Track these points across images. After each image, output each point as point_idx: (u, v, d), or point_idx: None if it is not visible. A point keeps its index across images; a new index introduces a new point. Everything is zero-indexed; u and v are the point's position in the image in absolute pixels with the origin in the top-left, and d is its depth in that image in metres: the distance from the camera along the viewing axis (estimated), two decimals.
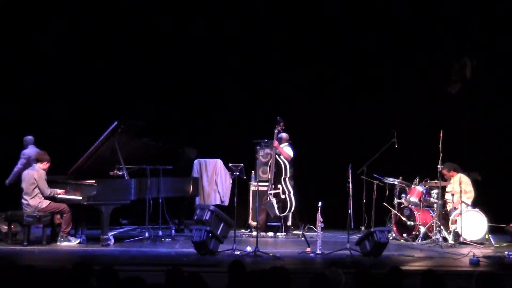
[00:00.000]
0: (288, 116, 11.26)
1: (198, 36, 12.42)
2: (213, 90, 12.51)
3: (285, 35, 12.39)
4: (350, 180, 9.56)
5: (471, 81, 12.28)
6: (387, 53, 12.31)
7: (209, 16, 12.36)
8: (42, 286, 5.01)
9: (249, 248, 9.00)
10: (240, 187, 9.85)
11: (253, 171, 11.45)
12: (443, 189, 10.66)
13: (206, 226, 9.44)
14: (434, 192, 10.57)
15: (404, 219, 10.67)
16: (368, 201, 11.15)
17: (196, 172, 11.70)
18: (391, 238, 10.41)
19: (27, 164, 10.43)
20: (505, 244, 10.35)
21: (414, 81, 12.36)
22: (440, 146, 10.22)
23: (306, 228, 11.02)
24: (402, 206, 10.83)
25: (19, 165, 10.64)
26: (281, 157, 10.97)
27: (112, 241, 9.62)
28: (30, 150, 10.62)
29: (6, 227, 9.83)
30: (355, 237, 9.76)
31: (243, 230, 11.28)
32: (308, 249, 9.17)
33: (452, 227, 10.36)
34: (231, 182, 11.66)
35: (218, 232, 9.85)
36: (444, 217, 10.58)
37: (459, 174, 10.71)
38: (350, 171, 9.55)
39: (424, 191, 10.61)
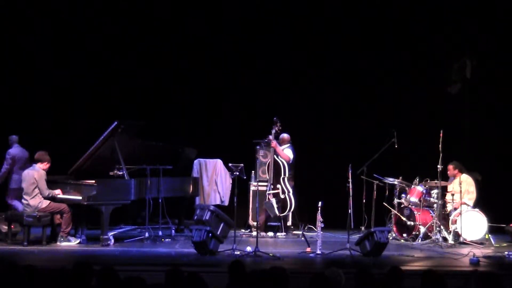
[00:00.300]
0: (288, 116, 11.27)
1: (198, 35, 12.41)
2: (213, 90, 12.50)
3: (285, 35, 12.38)
4: (350, 180, 9.57)
5: (471, 81, 12.28)
6: (387, 53, 12.31)
7: (209, 15, 12.36)
8: (42, 286, 5.01)
9: (249, 248, 8.99)
10: (240, 187, 9.86)
11: (253, 171, 11.45)
12: (443, 189, 10.67)
13: (206, 226, 9.44)
14: (434, 192, 10.57)
15: (404, 219, 10.66)
16: (368, 201, 11.15)
17: (196, 172, 11.69)
18: (391, 238, 10.41)
19: (13, 164, 10.41)
20: (505, 244, 10.35)
21: (414, 81, 12.36)
22: (440, 146, 10.22)
23: (306, 228, 11.02)
24: (402, 206, 10.83)
25: (5, 166, 10.60)
26: (280, 157, 10.98)
27: (112, 241, 9.62)
28: (15, 150, 10.60)
29: (6, 227, 9.84)
30: (355, 237, 9.76)
31: (243, 230, 11.27)
32: (308, 249, 9.17)
33: (452, 227, 10.36)
34: (231, 182, 11.66)
35: (218, 232, 9.85)
36: (444, 217, 10.58)
37: (463, 174, 10.72)
38: (350, 171, 9.55)
39: (424, 191, 10.61)
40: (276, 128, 10.94)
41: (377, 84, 12.42)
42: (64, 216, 9.62)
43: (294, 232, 11.29)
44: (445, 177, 10.72)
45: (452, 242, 10.12)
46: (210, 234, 8.83)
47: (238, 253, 8.84)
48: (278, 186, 10.94)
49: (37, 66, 12.12)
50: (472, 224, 10.30)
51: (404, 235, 10.65)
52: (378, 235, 8.85)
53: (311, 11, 12.36)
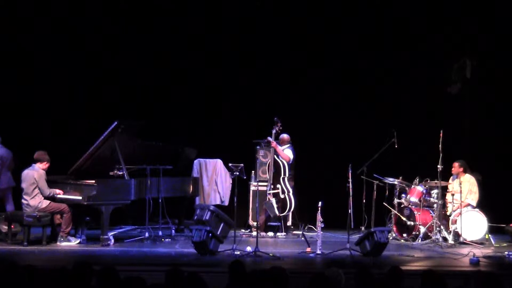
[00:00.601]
0: (288, 116, 11.27)
1: (197, 35, 12.41)
2: (213, 89, 12.50)
3: (285, 35, 12.38)
4: (350, 180, 9.57)
5: (471, 81, 12.28)
6: (387, 53, 12.31)
7: (209, 15, 12.35)
8: (42, 286, 5.01)
9: (249, 248, 9.00)
10: (240, 187, 9.86)
11: (253, 171, 11.45)
12: (443, 189, 10.67)
13: (206, 226, 9.44)
14: (434, 192, 10.57)
15: (404, 219, 10.67)
16: (368, 201, 11.15)
17: (196, 172, 11.69)
18: (391, 238, 10.41)
19: (3, 165, 10.35)
20: (505, 244, 10.35)
21: (414, 81, 12.36)
22: (440, 146, 10.22)
23: (306, 228, 11.02)
24: (402, 206, 10.83)
25: None
26: (280, 157, 10.98)
27: (112, 241, 9.62)
28: (1, 150, 10.50)
29: (6, 227, 9.84)
30: (355, 237, 9.76)
31: (243, 230, 11.27)
32: (308, 249, 9.17)
33: (452, 227, 10.36)
34: (231, 182, 11.66)
35: (218, 232, 9.85)
36: (445, 217, 10.59)
37: (466, 174, 10.73)
38: (350, 171, 9.56)
39: (424, 191, 10.62)
40: (277, 128, 10.95)
41: (377, 84, 12.42)
42: (64, 216, 9.62)
43: (294, 232, 11.29)
44: (445, 177, 10.71)
45: (452, 242, 10.12)
46: (210, 234, 8.83)
47: (238, 253, 8.85)
48: (278, 186, 10.94)
49: (37, 65, 12.12)
50: (472, 224, 10.31)
51: (404, 235, 10.65)
52: (378, 235, 8.85)
53: (310, 11, 12.35)
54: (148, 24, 12.33)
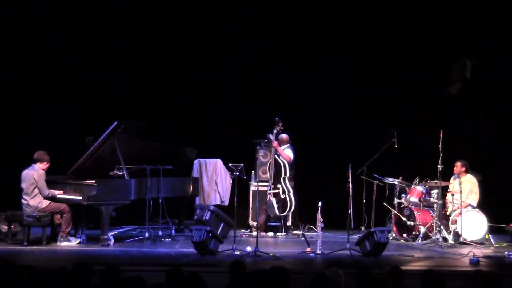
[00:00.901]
0: (288, 116, 11.26)
1: (197, 35, 12.41)
2: (213, 89, 12.50)
3: (285, 35, 12.38)
4: (350, 180, 9.57)
5: (471, 81, 12.28)
6: (387, 53, 12.31)
7: (209, 15, 12.35)
8: (42, 286, 5.01)
9: (249, 248, 9.00)
10: (240, 187, 9.85)
11: (253, 171, 11.45)
12: (443, 189, 10.67)
13: (206, 226, 9.44)
14: (434, 192, 10.57)
15: (404, 219, 10.67)
16: (368, 201, 11.14)
17: (196, 172, 11.69)
18: (391, 238, 10.41)
19: None
20: (505, 244, 10.35)
21: (414, 81, 12.36)
22: (440, 146, 10.22)
23: (306, 228, 11.02)
24: (402, 206, 10.83)
25: None
26: (280, 157, 10.98)
27: (112, 241, 9.62)
28: None
29: (6, 227, 9.83)
30: (355, 237, 9.76)
31: (243, 230, 11.27)
32: (308, 249, 9.17)
33: (452, 227, 10.36)
34: (231, 182, 11.66)
35: (218, 232, 9.85)
36: (445, 217, 10.59)
37: (468, 174, 10.73)
38: (350, 171, 9.56)
39: (424, 191, 10.62)
40: (278, 128, 10.95)
41: (377, 84, 12.41)
42: (64, 216, 9.62)
43: (294, 232, 11.30)
44: (445, 177, 10.71)
45: (452, 242, 10.12)
46: (210, 234, 8.83)
47: (238, 253, 8.85)
48: (279, 186, 10.94)
49: (37, 65, 12.12)
50: (472, 224, 10.31)
51: (404, 235, 10.65)
52: (378, 235, 8.85)
53: (310, 11, 12.35)
54: (148, 24, 12.33)
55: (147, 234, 10.09)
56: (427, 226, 10.42)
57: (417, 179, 10.72)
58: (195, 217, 10.59)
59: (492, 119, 12.19)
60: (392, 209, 10.90)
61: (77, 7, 12.14)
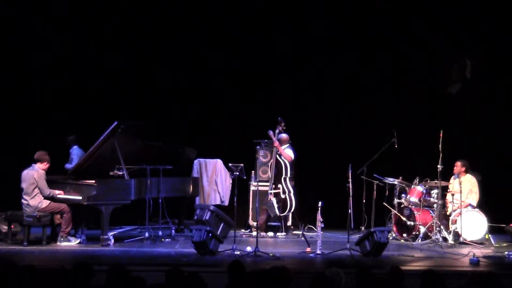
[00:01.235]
0: (288, 116, 11.26)
1: (197, 35, 12.41)
2: (213, 89, 12.50)
3: (285, 35, 12.38)
4: (350, 180, 9.57)
5: (471, 81, 12.28)
6: (387, 53, 12.31)
7: (209, 15, 12.35)
8: (42, 286, 5.01)
9: (249, 248, 9.00)
10: (240, 187, 9.85)
11: (253, 171, 11.45)
12: (443, 189, 10.67)
13: (206, 226, 9.44)
14: (434, 192, 10.57)
15: (404, 219, 10.67)
16: (368, 201, 11.15)
17: (196, 172, 11.69)
18: (391, 238, 10.41)
19: None
20: (505, 244, 10.35)
21: (414, 81, 12.36)
22: (440, 146, 10.22)
23: (306, 228, 11.02)
24: (402, 206, 10.83)
25: None
26: (282, 157, 10.97)
27: (112, 241, 9.62)
28: None
29: (6, 227, 9.83)
30: (355, 237, 9.77)
31: (243, 230, 11.28)
32: (308, 249, 9.17)
33: (452, 227, 10.36)
34: (231, 182, 11.66)
35: (218, 232, 9.85)
36: (445, 217, 10.59)
37: (467, 174, 10.74)
38: (350, 171, 9.55)
39: (424, 191, 10.62)
40: (280, 128, 10.94)
41: (377, 84, 12.42)
42: (64, 216, 9.62)
43: (294, 232, 11.30)
44: (445, 177, 10.72)
45: (452, 242, 10.12)
46: (210, 234, 8.82)
47: (238, 253, 8.85)
48: (280, 186, 10.93)
49: (37, 65, 12.12)
50: (472, 224, 10.31)
51: (404, 235, 10.65)
52: (378, 235, 8.84)
53: (311, 11, 12.35)
54: (148, 24, 12.33)
55: (147, 234, 10.09)
56: (427, 226, 10.42)
57: (417, 179, 10.72)
58: (195, 217, 10.59)
59: (492, 119, 12.19)
60: (392, 209, 10.90)
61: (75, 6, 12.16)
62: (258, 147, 11.41)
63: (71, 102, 12.18)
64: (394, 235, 10.72)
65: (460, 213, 10.20)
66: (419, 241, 10.29)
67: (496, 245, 10.23)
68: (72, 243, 9.61)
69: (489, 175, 11.40)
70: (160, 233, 10.31)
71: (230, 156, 10.90)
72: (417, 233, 10.47)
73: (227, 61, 12.46)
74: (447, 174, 10.81)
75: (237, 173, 9.73)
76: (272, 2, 12.35)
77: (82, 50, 12.22)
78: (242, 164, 9.90)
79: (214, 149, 11.89)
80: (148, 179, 10.00)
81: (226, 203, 11.68)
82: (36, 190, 9.56)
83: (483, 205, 10.73)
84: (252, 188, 11.41)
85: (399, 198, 10.89)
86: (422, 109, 12.30)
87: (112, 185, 9.70)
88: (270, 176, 11.07)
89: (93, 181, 9.60)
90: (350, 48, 12.37)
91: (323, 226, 9.14)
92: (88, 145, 9.95)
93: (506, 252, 9.30)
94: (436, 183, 10.49)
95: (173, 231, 10.70)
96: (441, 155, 10.26)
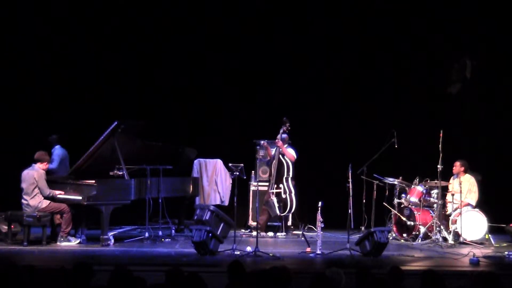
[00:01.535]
0: (288, 116, 11.26)
1: (197, 35, 12.41)
2: (213, 89, 12.50)
3: (285, 35, 12.38)
4: (350, 180, 9.57)
5: (471, 81, 12.28)
6: (387, 53, 12.31)
7: (209, 15, 12.36)
8: (42, 286, 5.01)
9: (249, 248, 9.00)
10: (240, 187, 9.85)
11: (253, 171, 11.45)
12: (443, 189, 10.67)
13: (206, 226, 9.44)
14: (434, 192, 10.57)
15: (404, 219, 10.67)
16: (368, 201, 11.14)
17: (196, 172, 11.70)
18: (391, 238, 10.41)
19: None
20: (505, 244, 10.34)
21: (414, 81, 12.36)
22: (440, 146, 10.22)
23: (306, 228, 11.02)
24: (402, 206, 10.83)
25: None
26: (285, 157, 10.96)
27: (112, 241, 9.62)
28: None
29: (6, 227, 9.83)
30: (355, 237, 9.76)
31: (243, 230, 11.28)
32: (308, 249, 9.17)
33: (452, 227, 10.36)
34: (231, 182, 11.66)
35: (218, 232, 9.85)
36: (445, 217, 10.59)
37: (466, 174, 10.74)
38: (350, 171, 9.55)
39: (424, 191, 10.62)
40: (284, 128, 10.93)
41: (377, 84, 12.42)
42: (64, 216, 9.62)
43: (294, 232, 11.29)
44: (445, 177, 10.72)
45: (452, 242, 10.12)
46: (210, 234, 8.82)
47: (238, 253, 8.85)
48: (281, 185, 10.93)
49: (37, 65, 12.12)
50: (472, 224, 10.31)
51: (404, 235, 10.65)
52: (378, 235, 8.84)
53: (311, 11, 12.36)
54: (149, 24, 12.33)
55: (147, 234, 10.09)
56: (427, 226, 10.42)
57: (417, 179, 10.72)
58: (195, 217, 10.59)
59: (492, 119, 12.19)
60: (392, 209, 10.90)
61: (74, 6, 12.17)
62: (258, 147, 11.41)
63: (71, 102, 12.19)
64: (394, 235, 10.72)
65: (460, 213, 10.20)
66: (419, 241, 10.28)
67: (496, 245, 10.23)
68: (72, 243, 9.61)
69: (489, 175, 11.41)
70: (160, 233, 10.31)
71: (230, 156, 10.91)
72: (417, 233, 10.47)
73: (227, 61, 12.47)
74: (447, 174, 10.81)
75: (237, 173, 9.73)
76: (272, 2, 12.36)
77: (82, 50, 12.22)
78: (242, 164, 9.91)
79: (214, 149, 11.89)
80: (148, 179, 9.99)
81: (226, 203, 11.68)
82: (36, 190, 9.56)
83: (483, 205, 10.73)
84: (252, 188, 11.41)
85: (399, 198, 10.89)
86: (422, 109, 12.30)
87: (112, 185, 9.70)
88: (272, 174, 11.03)
89: (93, 181, 9.60)
90: (350, 48, 12.38)
91: (323, 226, 9.14)
92: (88, 145, 9.93)
93: (506, 252, 9.30)
94: (436, 183, 10.49)
95: (173, 231, 10.70)
96: (441, 155, 10.26)
